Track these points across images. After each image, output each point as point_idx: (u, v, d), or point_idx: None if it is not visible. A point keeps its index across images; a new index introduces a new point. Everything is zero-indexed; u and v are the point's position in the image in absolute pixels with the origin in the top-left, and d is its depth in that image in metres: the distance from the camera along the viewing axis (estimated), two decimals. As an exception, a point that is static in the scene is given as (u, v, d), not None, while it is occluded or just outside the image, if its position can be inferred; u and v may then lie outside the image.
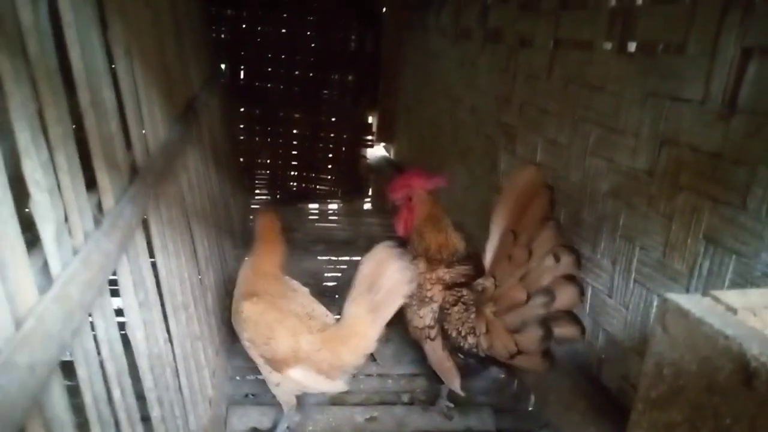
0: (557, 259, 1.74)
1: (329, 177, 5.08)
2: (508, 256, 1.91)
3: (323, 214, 4.79)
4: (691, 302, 0.89)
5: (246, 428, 2.27)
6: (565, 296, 1.73)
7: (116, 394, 1.13)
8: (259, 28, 4.57)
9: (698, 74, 1.50)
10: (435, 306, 2.19)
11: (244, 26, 4.56)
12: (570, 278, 1.74)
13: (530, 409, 2.47)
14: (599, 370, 1.98)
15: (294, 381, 2.00)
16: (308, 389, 2.08)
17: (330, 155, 4.96)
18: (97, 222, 1.10)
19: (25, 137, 0.82)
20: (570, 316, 1.76)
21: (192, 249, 2.16)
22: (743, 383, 0.76)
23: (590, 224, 1.99)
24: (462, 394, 2.25)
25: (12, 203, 0.76)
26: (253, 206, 4.88)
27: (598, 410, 1.86)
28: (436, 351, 2.20)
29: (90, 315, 1.03)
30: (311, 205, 4.97)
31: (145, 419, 1.36)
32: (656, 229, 1.67)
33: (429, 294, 2.21)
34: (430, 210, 2.34)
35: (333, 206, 5.08)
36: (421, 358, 2.55)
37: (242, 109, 4.77)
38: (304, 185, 5.14)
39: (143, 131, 1.60)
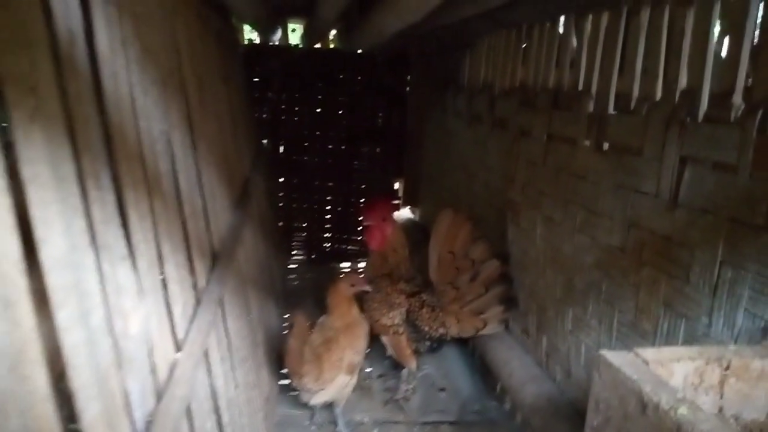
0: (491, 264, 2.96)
1: (360, 238, 5.50)
2: (456, 268, 3.06)
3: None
4: (617, 357, 1.27)
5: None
6: (501, 285, 2.99)
7: (208, 425, 1.54)
8: (296, 108, 5.13)
9: (652, 173, 1.90)
10: (402, 309, 3.03)
11: (283, 107, 5.13)
12: (502, 274, 2.98)
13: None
14: (593, 414, 2.31)
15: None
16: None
17: (360, 218, 5.40)
18: (198, 300, 1.54)
19: (166, 249, 1.27)
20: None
21: (248, 311, 2.59)
22: (641, 412, 1.14)
23: (581, 290, 2.36)
24: (419, 372, 3.27)
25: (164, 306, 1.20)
26: (291, 266, 5.35)
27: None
28: (401, 342, 3.03)
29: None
30: (344, 264, 5.40)
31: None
32: (629, 295, 2.04)
33: (397, 301, 3.04)
34: (398, 228, 3.27)
35: (363, 264, 5.47)
36: (444, 408, 3.02)
37: (282, 179, 5.28)
38: (337, 246, 5.57)
39: (217, 221, 2.06)
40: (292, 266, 5.37)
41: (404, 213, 5.66)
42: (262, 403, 2.68)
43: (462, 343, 3.69)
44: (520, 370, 2.79)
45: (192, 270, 1.58)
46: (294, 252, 5.58)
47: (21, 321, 0.58)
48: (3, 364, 0.54)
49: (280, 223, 5.23)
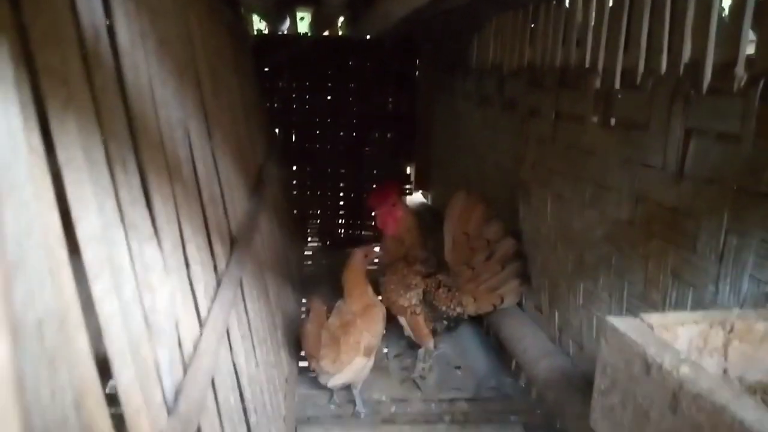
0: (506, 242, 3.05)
1: (373, 223, 5.56)
2: (470, 248, 3.14)
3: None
4: (623, 322, 1.32)
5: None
6: (517, 262, 3.07)
7: (231, 400, 1.61)
8: (306, 97, 5.19)
9: (658, 147, 1.93)
10: (419, 290, 3.11)
11: (294, 96, 5.18)
12: (517, 252, 3.05)
13: (558, 426, 2.83)
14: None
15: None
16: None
17: (372, 208, 5.46)
18: (218, 281, 1.61)
19: (187, 232, 1.34)
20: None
21: (266, 294, 2.67)
22: (646, 373, 1.19)
23: (591, 264, 2.40)
24: (436, 351, 3.31)
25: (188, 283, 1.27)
26: (306, 253, 5.43)
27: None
28: (419, 322, 3.11)
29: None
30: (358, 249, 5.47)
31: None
32: (638, 267, 2.08)
33: (413, 282, 3.13)
34: (408, 210, 3.37)
35: (377, 249, 5.54)
36: (460, 386, 3.10)
37: (294, 168, 5.35)
38: (351, 231, 5.64)
39: (235, 208, 2.13)
40: (307, 253, 5.45)
41: (416, 197, 5.71)
42: (282, 383, 2.77)
43: (477, 322, 3.75)
44: (533, 345, 2.84)
45: (212, 253, 1.65)
46: (309, 239, 5.66)
47: (63, 288, 0.65)
48: (52, 324, 0.60)
49: (295, 211, 5.31)
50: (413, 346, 3.42)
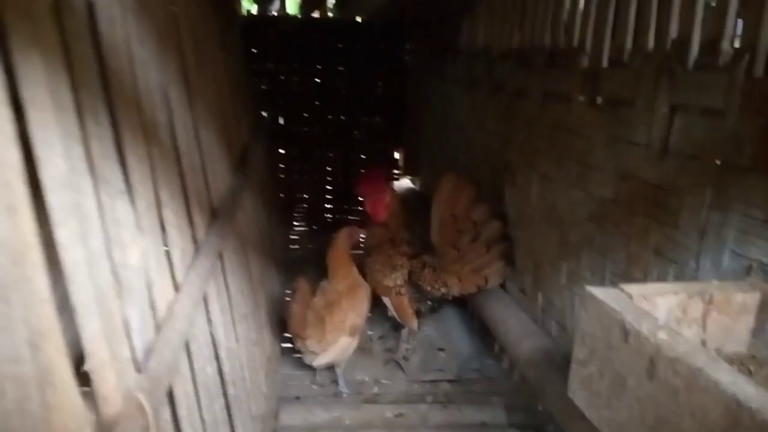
0: (493, 224, 3.04)
1: (360, 208, 5.54)
2: (457, 230, 3.11)
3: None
4: (602, 291, 1.32)
5: (294, 423, 2.71)
6: (502, 243, 3.05)
7: (208, 370, 1.60)
8: (295, 79, 5.14)
9: (643, 124, 1.93)
10: (404, 271, 3.14)
11: (282, 78, 5.13)
12: (503, 234, 3.04)
13: (540, 408, 2.84)
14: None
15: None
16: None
17: (359, 192, 5.44)
18: (196, 246, 1.59)
19: (164, 194, 1.31)
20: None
21: (248, 272, 2.64)
22: (624, 340, 1.19)
23: (575, 243, 2.40)
24: (419, 332, 3.36)
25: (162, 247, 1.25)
26: (292, 236, 5.40)
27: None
28: (403, 302, 3.13)
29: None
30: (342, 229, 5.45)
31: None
32: (620, 246, 2.08)
33: (399, 263, 3.15)
34: (395, 194, 3.38)
35: (361, 230, 5.52)
36: (443, 367, 3.14)
37: (282, 151, 5.31)
38: (338, 216, 5.62)
39: (216, 181, 2.10)
40: (294, 237, 5.42)
41: (404, 182, 5.69)
42: (264, 362, 2.75)
43: (461, 305, 3.75)
44: (516, 326, 2.84)
45: (191, 222, 1.62)
46: (296, 223, 5.63)
47: (21, 225, 0.62)
48: (5, 254, 0.58)
49: (281, 195, 5.27)
50: (397, 327, 3.42)
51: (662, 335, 1.10)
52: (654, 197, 1.89)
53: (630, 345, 1.17)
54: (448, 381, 3.11)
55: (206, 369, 1.57)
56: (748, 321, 1.38)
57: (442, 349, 3.40)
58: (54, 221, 0.76)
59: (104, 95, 1.01)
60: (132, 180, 1.10)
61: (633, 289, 1.33)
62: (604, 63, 2.18)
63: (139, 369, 0.97)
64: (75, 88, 0.86)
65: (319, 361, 2.86)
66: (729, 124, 1.58)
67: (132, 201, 1.07)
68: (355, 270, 3.06)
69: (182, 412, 1.26)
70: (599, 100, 2.22)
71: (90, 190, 0.86)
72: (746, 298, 1.36)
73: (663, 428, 1.08)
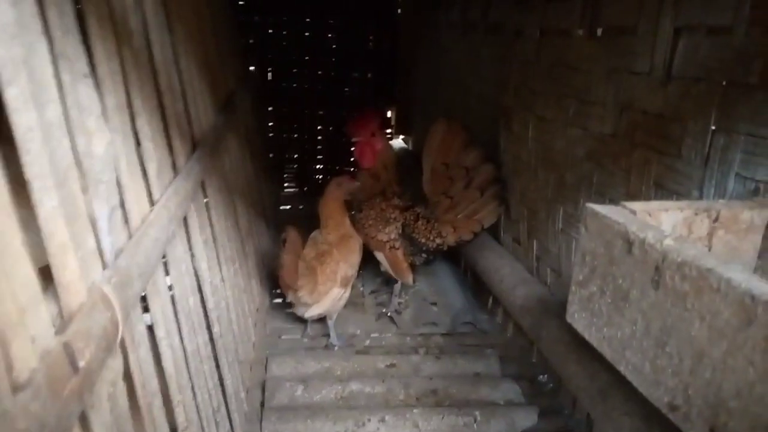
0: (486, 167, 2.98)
1: (352, 169, 5.45)
2: (449, 178, 3.04)
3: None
4: (604, 208, 1.24)
5: (283, 373, 2.65)
6: (495, 186, 2.99)
7: (191, 301, 1.52)
8: (283, 33, 4.98)
9: (646, 50, 1.84)
10: (398, 224, 3.04)
11: (270, 31, 4.97)
12: (496, 177, 2.98)
13: (534, 360, 2.80)
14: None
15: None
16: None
17: (352, 149, 5.34)
18: (176, 172, 1.50)
19: (137, 102, 1.22)
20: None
21: (235, 218, 2.56)
22: (627, 252, 1.12)
23: (572, 185, 2.33)
24: (412, 287, 3.32)
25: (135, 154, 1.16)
26: (283, 196, 5.30)
27: (581, 342, 2.19)
28: (398, 256, 3.04)
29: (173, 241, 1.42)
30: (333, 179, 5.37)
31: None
32: (620, 182, 2.01)
33: (392, 216, 3.05)
34: (387, 144, 3.24)
35: (352, 179, 5.44)
36: (436, 321, 3.10)
37: (270, 108, 5.18)
38: (329, 177, 5.51)
39: (198, 113, 2.00)
40: (284, 197, 5.33)
41: (397, 142, 5.59)
42: (253, 311, 2.69)
43: (454, 260, 3.70)
44: (510, 275, 2.79)
45: (170, 146, 1.54)
46: (286, 185, 5.54)
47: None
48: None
49: (271, 155, 5.16)
50: (389, 282, 3.35)
51: (669, 242, 1.04)
52: (655, 127, 1.82)
53: (634, 256, 1.10)
54: (441, 334, 3.06)
55: (188, 299, 1.49)
56: (755, 240, 1.32)
57: (434, 303, 3.35)
58: (2, 78, 0.67)
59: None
60: (99, 72, 1.01)
61: (636, 205, 1.26)
62: (605, -8, 2.08)
63: (105, 265, 0.90)
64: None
65: (311, 312, 2.79)
66: (737, 40, 1.49)
67: (99, 92, 0.98)
68: (347, 221, 2.98)
69: (160, 332, 1.19)
70: (599, 31, 2.13)
71: (45, 56, 0.77)
72: (754, 216, 1.30)
73: (669, 337, 1.02)
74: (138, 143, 1.24)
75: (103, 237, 0.92)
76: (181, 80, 1.80)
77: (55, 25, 0.83)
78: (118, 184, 1.03)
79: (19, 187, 0.70)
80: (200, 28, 2.36)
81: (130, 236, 1.05)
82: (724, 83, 1.55)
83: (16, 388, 0.57)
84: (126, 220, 1.07)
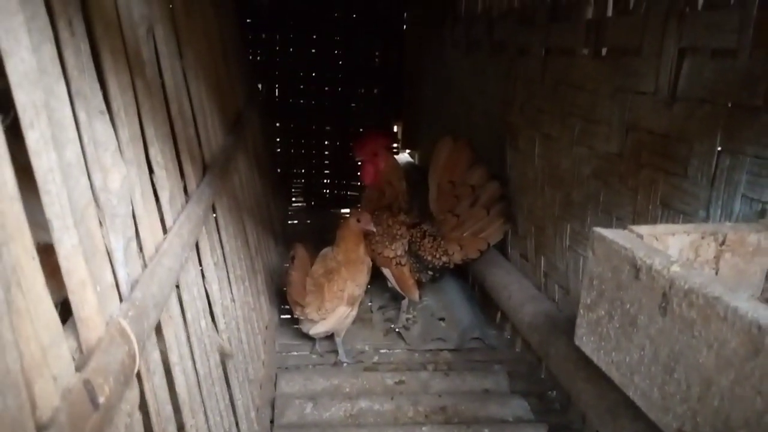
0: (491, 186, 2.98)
1: (359, 183, 5.47)
2: (455, 196, 3.05)
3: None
4: (610, 232, 1.26)
5: (293, 391, 2.66)
6: (501, 203, 3.00)
7: (202, 323, 1.54)
8: (291, 50, 5.04)
9: (650, 71, 1.86)
10: (404, 241, 3.04)
11: (277, 48, 5.03)
12: (501, 195, 2.99)
13: (542, 376, 2.80)
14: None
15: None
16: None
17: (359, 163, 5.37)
18: (188, 197, 1.52)
19: (149, 132, 1.25)
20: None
21: (245, 236, 2.59)
22: (635, 277, 1.13)
23: (579, 203, 2.34)
24: (420, 303, 3.29)
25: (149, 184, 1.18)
26: (290, 212, 5.33)
27: (590, 360, 2.19)
28: (404, 273, 3.06)
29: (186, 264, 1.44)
30: (343, 210, 5.39)
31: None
32: (627, 201, 2.02)
33: (399, 233, 3.05)
34: (393, 163, 3.27)
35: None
36: (444, 336, 3.10)
37: (278, 124, 5.22)
38: (336, 192, 5.55)
39: (208, 136, 2.03)
40: (291, 212, 5.36)
41: (403, 156, 5.62)
42: (262, 328, 2.70)
43: (462, 276, 3.70)
44: (518, 292, 2.79)
45: (181, 171, 1.56)
46: (293, 199, 5.56)
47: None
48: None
49: (279, 170, 5.20)
50: (397, 298, 3.36)
51: (676, 268, 1.05)
52: (661, 147, 1.83)
53: (641, 282, 1.11)
54: (450, 350, 3.06)
55: (200, 322, 1.51)
56: (762, 263, 1.33)
57: (442, 319, 3.35)
58: (23, 123, 0.69)
59: (80, 8, 0.94)
60: (114, 107, 1.04)
61: (643, 229, 1.27)
62: (609, 11, 2.11)
63: (122, 298, 0.92)
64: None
65: (317, 329, 2.81)
66: (741, 63, 1.51)
67: (114, 126, 1.01)
68: (362, 247, 2.97)
69: (173, 358, 1.21)
70: (604, 51, 2.15)
71: (64, 98, 0.79)
72: (761, 239, 1.31)
73: (677, 364, 1.03)
74: (150, 170, 1.27)
75: (119, 268, 0.94)
76: (191, 105, 1.83)
77: (72, 65, 0.86)
78: (133, 215, 1.05)
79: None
80: (210, 51, 2.40)
81: (144, 265, 1.07)
82: (729, 105, 1.56)
83: (39, 428, 0.59)
84: (140, 248, 1.09)
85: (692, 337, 0.99)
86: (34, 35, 0.71)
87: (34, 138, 0.70)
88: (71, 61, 0.86)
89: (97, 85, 0.94)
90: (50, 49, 0.76)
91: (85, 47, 0.90)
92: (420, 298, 3.19)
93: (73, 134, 0.80)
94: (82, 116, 0.87)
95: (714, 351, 0.94)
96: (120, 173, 0.96)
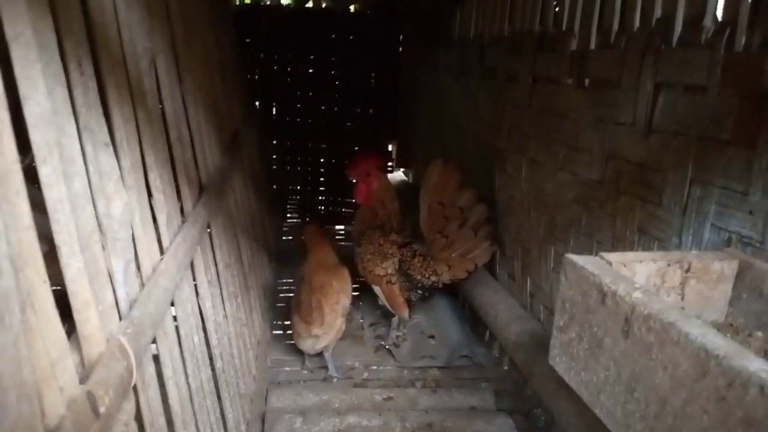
0: (479, 208, 3.06)
1: (354, 200, 5.55)
2: (444, 217, 3.12)
3: (349, 234, 5.28)
4: (581, 259, 1.34)
5: (283, 405, 2.72)
6: (488, 226, 3.08)
7: (195, 339, 1.61)
8: (288, 69, 5.15)
9: (629, 103, 1.95)
10: (395, 260, 3.13)
11: (275, 68, 5.14)
12: (489, 217, 3.07)
13: (528, 394, 2.86)
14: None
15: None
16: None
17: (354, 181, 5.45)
18: (184, 218, 1.60)
19: (149, 159, 1.33)
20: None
21: (238, 254, 2.66)
22: (601, 302, 1.21)
23: (563, 226, 2.42)
24: (410, 320, 3.35)
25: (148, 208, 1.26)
26: (285, 228, 5.40)
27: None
28: (394, 291, 3.14)
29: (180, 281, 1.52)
30: (338, 227, 5.46)
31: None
32: (606, 226, 2.10)
33: (389, 251, 3.14)
34: (385, 183, 3.34)
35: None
36: (434, 354, 3.17)
37: (274, 142, 5.32)
38: (331, 209, 5.63)
39: (205, 158, 2.11)
40: (286, 229, 5.43)
41: (397, 175, 5.71)
42: (254, 344, 2.77)
43: (452, 294, 3.77)
44: (505, 311, 2.86)
45: (178, 193, 1.64)
46: (288, 215, 5.64)
47: (3, 150, 0.64)
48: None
49: (274, 186, 5.28)
50: (387, 315, 3.43)
51: (638, 294, 1.12)
52: (638, 176, 1.91)
53: (607, 306, 1.19)
54: (438, 368, 3.13)
55: (193, 337, 1.58)
56: (725, 289, 1.41)
57: (432, 337, 3.41)
58: (37, 159, 0.77)
59: (89, 50, 1.03)
60: (117, 137, 1.12)
61: (612, 256, 1.35)
62: (592, 45, 2.20)
63: (122, 316, 0.99)
64: (59, 33, 0.88)
65: (320, 344, 2.86)
66: (710, 99, 1.60)
67: (116, 156, 1.09)
68: (330, 250, 3.10)
69: (167, 372, 1.28)
70: (587, 82, 2.24)
71: (74, 134, 0.87)
72: (724, 267, 1.39)
73: (638, 384, 1.10)
74: (149, 194, 1.34)
75: (119, 289, 1.01)
76: (189, 128, 1.91)
77: (80, 103, 0.94)
78: (132, 238, 1.13)
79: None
80: (208, 74, 2.49)
81: (142, 285, 1.15)
82: (699, 138, 1.65)
83: (47, 434, 0.66)
84: (138, 268, 1.17)
85: (650, 360, 1.06)
86: (48, 80, 0.80)
87: (46, 173, 0.78)
88: (80, 99, 0.94)
89: (103, 119, 1.02)
90: (62, 92, 0.84)
91: (92, 85, 0.98)
92: (410, 316, 3.25)
93: (81, 167, 0.88)
94: (88, 149, 0.95)
95: (668, 373, 1.02)
96: (122, 200, 1.04)
